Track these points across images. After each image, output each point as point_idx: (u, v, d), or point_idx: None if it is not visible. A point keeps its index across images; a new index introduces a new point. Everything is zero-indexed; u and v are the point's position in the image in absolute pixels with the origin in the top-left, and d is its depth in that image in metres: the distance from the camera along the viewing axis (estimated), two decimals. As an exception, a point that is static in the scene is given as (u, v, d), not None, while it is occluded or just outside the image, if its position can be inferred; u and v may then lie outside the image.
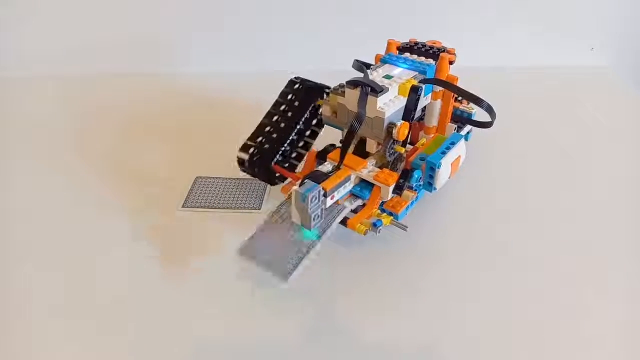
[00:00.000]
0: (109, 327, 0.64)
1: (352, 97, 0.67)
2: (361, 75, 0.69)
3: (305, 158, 0.78)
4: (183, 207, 0.82)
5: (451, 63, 0.76)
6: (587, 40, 1.27)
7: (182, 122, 1.05)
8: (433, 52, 0.78)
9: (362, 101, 0.66)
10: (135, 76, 1.20)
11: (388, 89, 0.67)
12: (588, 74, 1.21)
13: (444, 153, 0.71)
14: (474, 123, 0.84)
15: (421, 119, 0.82)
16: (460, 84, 0.74)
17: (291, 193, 0.61)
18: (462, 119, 0.86)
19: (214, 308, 0.66)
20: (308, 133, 0.80)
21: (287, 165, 0.78)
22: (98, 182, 0.88)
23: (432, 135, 0.80)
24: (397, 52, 0.80)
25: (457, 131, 0.84)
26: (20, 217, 0.81)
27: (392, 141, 0.68)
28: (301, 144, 0.80)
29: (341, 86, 0.71)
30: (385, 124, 0.67)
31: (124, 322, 0.64)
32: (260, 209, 0.81)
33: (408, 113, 0.69)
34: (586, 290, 0.68)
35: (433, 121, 0.80)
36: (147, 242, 0.75)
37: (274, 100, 0.80)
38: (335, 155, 0.71)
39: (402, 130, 0.67)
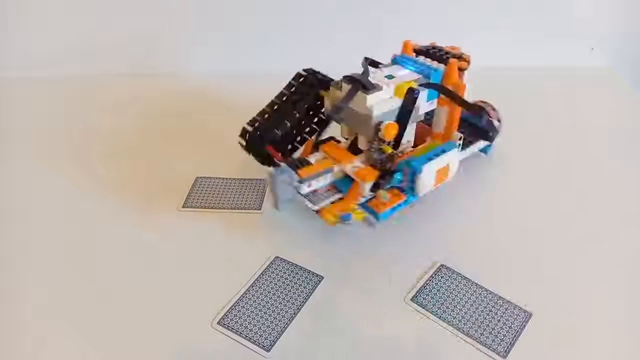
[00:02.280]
0: (109, 327, 0.64)
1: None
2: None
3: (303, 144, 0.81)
4: (183, 207, 0.82)
5: (461, 70, 0.73)
6: (587, 40, 1.27)
7: (182, 122, 1.05)
8: (446, 57, 0.75)
9: (348, 96, 0.67)
10: (135, 76, 1.20)
11: (382, 87, 0.67)
12: (588, 74, 1.21)
13: (429, 159, 0.67)
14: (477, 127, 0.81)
15: (430, 123, 0.79)
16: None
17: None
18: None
19: (214, 307, 0.66)
20: (315, 120, 0.80)
21: (289, 147, 0.80)
22: (98, 181, 0.88)
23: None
24: (414, 53, 0.79)
25: (462, 141, 0.80)
26: (20, 217, 0.81)
27: (379, 140, 0.68)
28: (307, 130, 0.81)
29: (341, 81, 0.71)
30: (374, 122, 0.66)
31: (124, 322, 0.64)
32: (260, 209, 0.81)
33: (403, 115, 0.69)
34: (586, 290, 0.68)
35: (439, 127, 0.77)
36: (147, 242, 0.76)
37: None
38: (328, 147, 0.73)
39: (389, 130, 0.66)
